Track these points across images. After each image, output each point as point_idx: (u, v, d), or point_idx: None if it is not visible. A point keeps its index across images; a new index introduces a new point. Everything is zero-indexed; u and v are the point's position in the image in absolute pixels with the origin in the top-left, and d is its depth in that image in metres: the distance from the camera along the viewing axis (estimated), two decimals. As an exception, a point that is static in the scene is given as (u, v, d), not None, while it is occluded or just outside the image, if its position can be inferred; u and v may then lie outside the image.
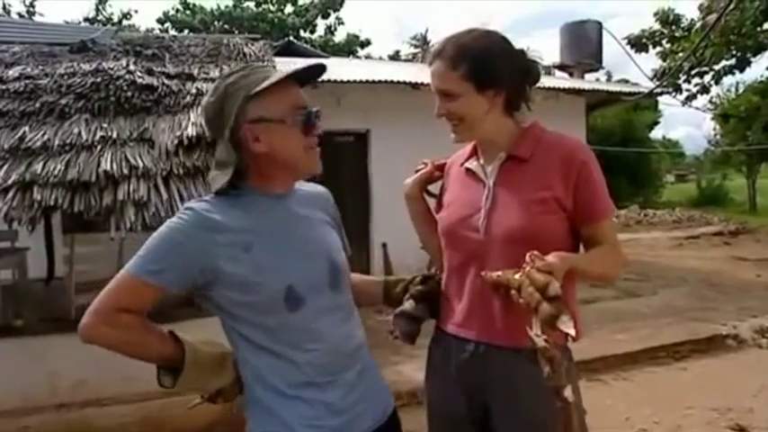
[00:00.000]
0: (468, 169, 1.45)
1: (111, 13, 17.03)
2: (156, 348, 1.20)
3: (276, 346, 1.20)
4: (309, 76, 1.27)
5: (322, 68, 1.28)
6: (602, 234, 1.35)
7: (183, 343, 1.21)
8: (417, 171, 1.61)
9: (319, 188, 1.41)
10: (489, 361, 1.35)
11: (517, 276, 1.14)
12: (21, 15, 15.40)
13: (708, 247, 11.57)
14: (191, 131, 3.49)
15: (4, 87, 3.82)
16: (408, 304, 1.44)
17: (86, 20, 16.70)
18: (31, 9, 16.37)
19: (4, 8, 15.79)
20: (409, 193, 1.60)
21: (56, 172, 3.15)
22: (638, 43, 11.87)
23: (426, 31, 24.36)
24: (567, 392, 1.02)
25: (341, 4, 19.30)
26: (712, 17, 9.55)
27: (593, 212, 1.34)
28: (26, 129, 3.47)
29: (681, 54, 11.02)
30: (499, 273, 1.21)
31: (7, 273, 5.31)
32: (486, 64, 1.32)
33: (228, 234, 1.17)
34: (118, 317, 1.14)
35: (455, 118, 1.36)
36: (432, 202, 1.61)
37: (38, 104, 3.69)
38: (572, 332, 1.02)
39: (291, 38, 15.92)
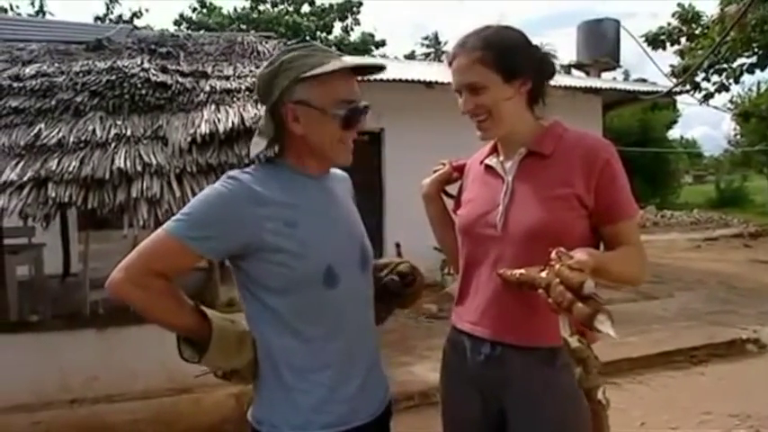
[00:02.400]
0: (487, 166, 1.43)
1: (122, 13, 17.15)
2: (181, 319, 1.18)
3: (303, 326, 1.21)
4: (367, 70, 1.29)
5: (381, 68, 1.28)
6: (625, 234, 1.31)
7: (210, 319, 1.19)
8: (435, 171, 1.60)
9: (342, 172, 1.43)
10: (505, 363, 1.32)
11: (544, 274, 1.08)
12: (30, 15, 15.59)
13: (727, 249, 11.38)
14: (204, 129, 3.49)
15: (21, 85, 3.86)
16: None
17: (97, 18, 16.83)
18: (41, 9, 16.58)
19: (11, 8, 15.99)
20: (427, 193, 1.59)
21: (70, 169, 3.16)
22: (656, 40, 11.67)
23: (436, 33, 24.29)
24: (600, 394, 0.98)
25: (359, 7, 19.31)
26: (730, 8, 9.35)
27: (617, 212, 1.30)
28: (42, 126, 3.49)
29: (700, 52, 10.82)
30: (522, 271, 1.17)
31: (24, 268, 5.38)
32: (511, 53, 1.31)
33: (272, 207, 1.17)
34: (148, 279, 1.13)
35: (483, 111, 1.33)
36: (450, 203, 1.59)
37: (53, 102, 3.71)
38: (612, 332, 0.97)
39: (307, 38, 15.94)
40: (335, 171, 1.39)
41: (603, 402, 0.98)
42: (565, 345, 1.02)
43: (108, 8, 16.96)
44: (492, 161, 1.42)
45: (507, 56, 1.30)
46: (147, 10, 17.43)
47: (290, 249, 1.17)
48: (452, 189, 1.61)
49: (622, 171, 1.32)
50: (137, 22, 16.62)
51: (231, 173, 1.22)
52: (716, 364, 4.68)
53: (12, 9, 15.88)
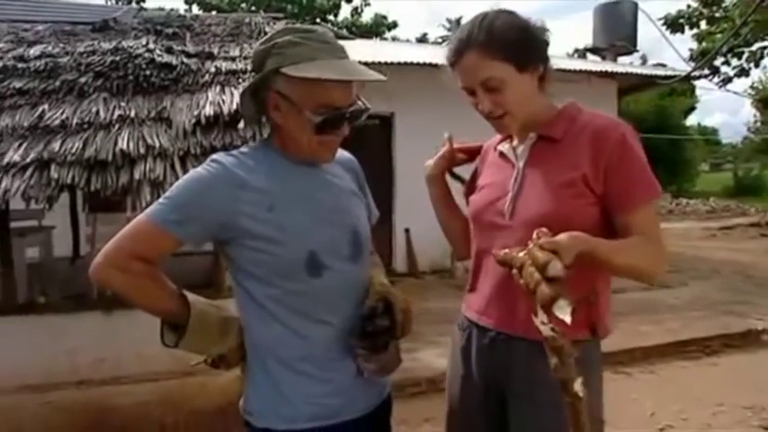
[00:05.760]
0: (500, 152, 1.38)
1: None
2: (163, 303, 1.17)
3: (289, 316, 1.17)
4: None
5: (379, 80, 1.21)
6: (638, 224, 1.19)
7: (190, 304, 1.18)
8: (438, 150, 1.54)
9: (345, 154, 1.36)
10: (509, 352, 1.27)
11: (521, 255, 1.04)
12: None
13: (743, 238, 11.19)
14: (208, 111, 3.44)
15: (25, 66, 3.83)
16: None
17: (117, 0, 16.82)
18: None
19: None
20: (430, 176, 1.52)
21: (73, 150, 3.13)
22: (675, 23, 11.38)
23: (460, 17, 23.98)
24: (577, 386, 0.92)
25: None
26: None
27: (628, 198, 1.19)
28: (45, 107, 3.47)
29: (719, 35, 10.53)
30: (506, 250, 1.11)
31: (34, 251, 5.41)
32: (521, 38, 1.23)
33: (253, 192, 1.14)
34: (131, 263, 1.11)
35: (501, 109, 1.25)
36: (455, 186, 1.54)
37: (57, 83, 3.68)
38: (567, 319, 0.93)
39: (318, 20, 15.81)
40: (338, 153, 1.32)
41: (580, 395, 0.92)
42: (537, 331, 0.96)
43: None
44: (504, 147, 1.36)
45: (518, 42, 1.22)
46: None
47: (267, 235, 1.13)
48: (461, 172, 1.54)
49: (639, 152, 1.21)
50: (153, 3, 16.60)
51: (215, 156, 1.19)
52: (730, 354, 4.58)
53: None
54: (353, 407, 1.21)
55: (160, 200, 1.15)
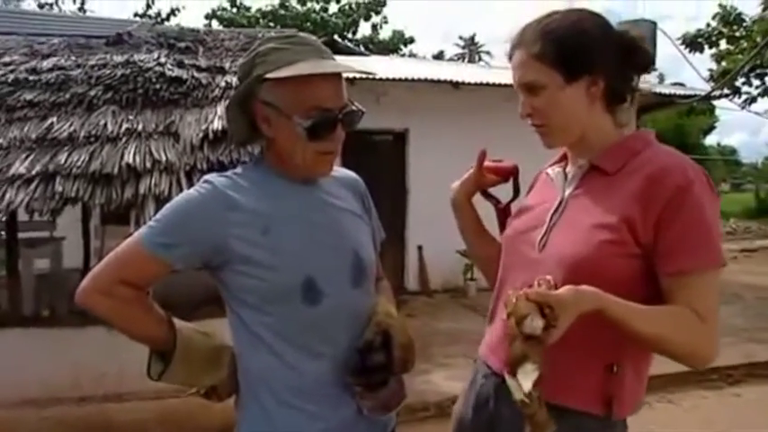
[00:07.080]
0: (548, 175, 1.24)
1: (160, 10, 17.43)
2: (149, 330, 1.13)
3: (283, 346, 1.10)
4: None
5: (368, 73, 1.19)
6: (686, 293, 0.99)
7: (176, 332, 1.13)
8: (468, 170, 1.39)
9: (349, 174, 1.30)
10: (505, 403, 1.08)
11: (514, 302, 0.92)
12: (73, 12, 16.04)
13: (766, 261, 10.87)
14: (217, 125, 3.42)
15: (37, 78, 3.86)
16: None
17: (136, 15, 17.14)
18: (83, 7, 17.03)
19: (56, 4, 16.52)
20: (454, 199, 1.37)
21: (79, 163, 3.13)
22: (694, 43, 11.22)
23: (474, 34, 24.06)
24: None
25: (382, 6, 19.31)
26: None
27: (676, 259, 1.00)
28: (54, 119, 3.48)
29: (740, 55, 10.36)
30: (511, 292, 0.98)
31: (44, 262, 5.41)
32: (575, 44, 1.07)
33: (244, 214, 1.09)
34: (117, 288, 1.08)
35: (540, 117, 1.12)
36: (485, 207, 1.39)
37: (68, 95, 3.70)
38: (527, 386, 0.83)
39: (336, 37, 15.94)
40: (340, 174, 1.25)
41: None
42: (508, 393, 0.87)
43: (148, 5, 17.26)
44: (554, 170, 1.22)
45: (570, 48, 1.07)
46: (183, 7, 17.68)
47: (259, 259, 1.07)
48: (498, 193, 1.38)
49: (704, 206, 1.01)
50: (173, 19, 16.89)
51: (208, 177, 1.14)
52: (753, 384, 4.39)
53: (57, 4, 16.42)
54: None
55: (150, 222, 1.10)
